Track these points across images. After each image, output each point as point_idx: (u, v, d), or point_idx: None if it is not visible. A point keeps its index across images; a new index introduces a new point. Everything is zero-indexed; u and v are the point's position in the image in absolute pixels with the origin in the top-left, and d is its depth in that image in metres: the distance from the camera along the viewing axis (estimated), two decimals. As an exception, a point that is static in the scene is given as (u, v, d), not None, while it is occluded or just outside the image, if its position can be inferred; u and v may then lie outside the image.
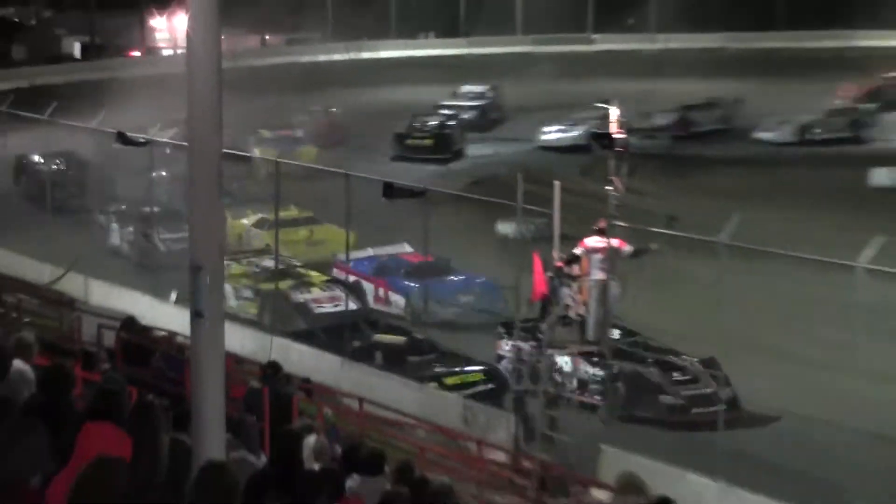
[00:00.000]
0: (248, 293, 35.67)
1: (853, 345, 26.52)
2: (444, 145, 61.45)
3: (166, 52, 72.72)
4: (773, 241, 29.17)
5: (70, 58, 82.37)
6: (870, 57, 78.06)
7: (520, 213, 28.53)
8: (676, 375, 27.70)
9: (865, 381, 26.61)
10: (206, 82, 10.74)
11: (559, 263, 28.04)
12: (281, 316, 33.81)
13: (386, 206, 33.33)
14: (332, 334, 31.77)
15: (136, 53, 79.56)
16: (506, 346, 29.45)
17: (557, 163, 47.87)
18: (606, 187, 27.46)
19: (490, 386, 28.70)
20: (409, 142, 61.67)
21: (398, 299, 35.81)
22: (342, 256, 37.02)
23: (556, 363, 28.16)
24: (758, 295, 30.17)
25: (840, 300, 26.80)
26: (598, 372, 27.79)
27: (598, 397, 27.84)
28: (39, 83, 66.94)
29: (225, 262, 29.37)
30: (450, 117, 65.04)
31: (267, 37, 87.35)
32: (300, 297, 34.70)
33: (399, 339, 30.91)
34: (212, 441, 10.95)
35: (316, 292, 35.01)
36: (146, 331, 25.59)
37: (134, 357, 22.75)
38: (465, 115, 66.51)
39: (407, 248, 38.58)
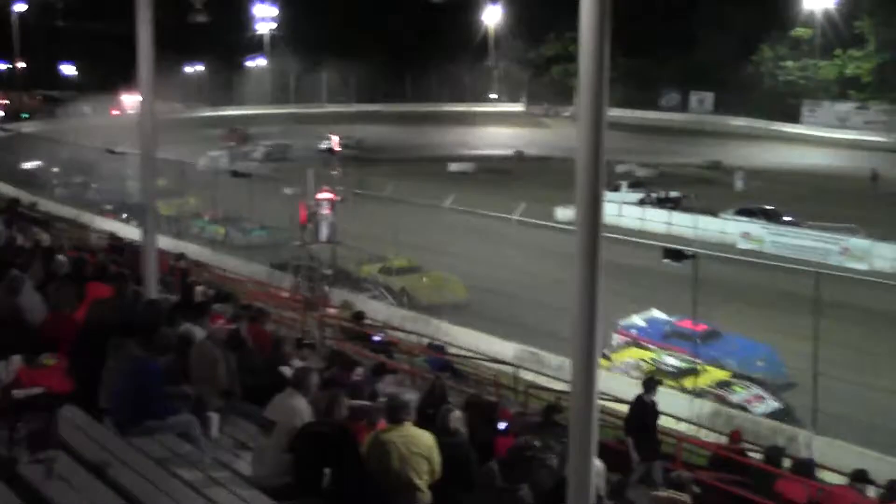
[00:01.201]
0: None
1: (453, 244, 32.05)
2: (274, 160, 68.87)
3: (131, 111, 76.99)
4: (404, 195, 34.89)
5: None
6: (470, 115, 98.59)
7: (297, 183, 31.51)
8: None
9: (460, 260, 31.64)
10: (149, 125, 12.79)
11: (313, 206, 30.23)
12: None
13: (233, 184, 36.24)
14: None
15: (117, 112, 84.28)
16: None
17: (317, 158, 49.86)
18: (331, 171, 32.16)
19: None
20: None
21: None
22: (624, 323, 25.97)
23: None
24: (384, 220, 33.09)
25: (445, 221, 33.91)
26: None
27: None
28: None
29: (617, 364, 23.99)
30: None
31: (180, 104, 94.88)
32: (734, 398, 21.94)
33: None
34: (152, 290, 12.59)
35: (741, 391, 22.31)
36: (120, 239, 26.28)
37: (116, 251, 23.02)
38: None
39: (657, 313, 26.45)
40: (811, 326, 19.64)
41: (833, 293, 21.52)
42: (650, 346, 24.72)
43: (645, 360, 23.84)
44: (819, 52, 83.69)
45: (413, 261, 32.58)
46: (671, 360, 23.60)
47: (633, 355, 24.29)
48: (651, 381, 14.65)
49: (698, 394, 21.78)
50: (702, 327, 24.51)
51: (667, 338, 24.92)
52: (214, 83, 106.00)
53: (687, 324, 24.74)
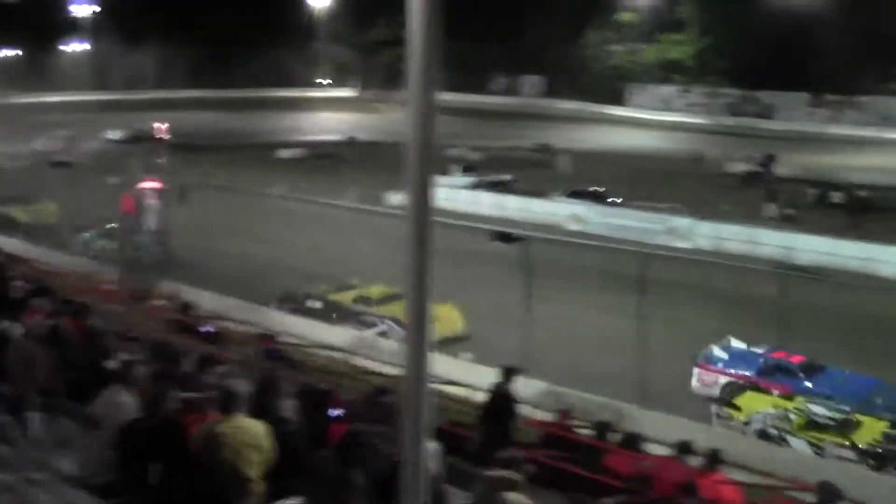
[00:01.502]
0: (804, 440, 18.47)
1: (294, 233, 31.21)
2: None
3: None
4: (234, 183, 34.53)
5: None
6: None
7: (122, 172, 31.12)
8: None
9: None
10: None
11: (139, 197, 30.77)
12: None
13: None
14: None
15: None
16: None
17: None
18: (157, 160, 31.39)
19: None
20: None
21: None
22: (707, 355, 22.39)
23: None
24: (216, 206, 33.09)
25: (277, 209, 31.60)
26: None
27: None
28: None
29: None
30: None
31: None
32: None
33: None
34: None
35: None
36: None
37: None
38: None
39: (735, 342, 22.78)
40: (636, 304, 20.28)
41: (662, 272, 22.24)
42: (773, 389, 20.70)
43: (788, 410, 19.35)
44: (644, 37, 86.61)
45: (391, 288, 26.61)
46: (819, 409, 19.12)
47: (763, 403, 19.95)
48: (510, 370, 14.36)
49: (873, 456, 17.98)
50: (798, 359, 21.69)
51: (763, 373, 21.49)
52: (31, 68, 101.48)
53: (780, 354, 21.89)
